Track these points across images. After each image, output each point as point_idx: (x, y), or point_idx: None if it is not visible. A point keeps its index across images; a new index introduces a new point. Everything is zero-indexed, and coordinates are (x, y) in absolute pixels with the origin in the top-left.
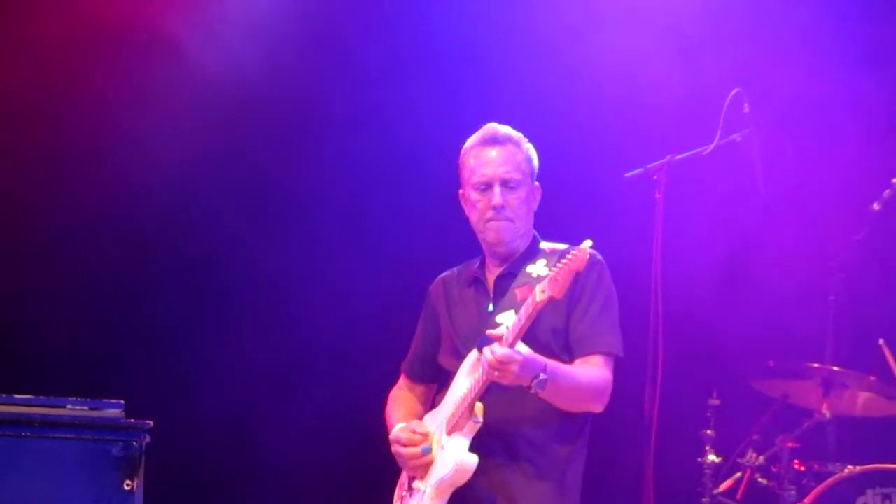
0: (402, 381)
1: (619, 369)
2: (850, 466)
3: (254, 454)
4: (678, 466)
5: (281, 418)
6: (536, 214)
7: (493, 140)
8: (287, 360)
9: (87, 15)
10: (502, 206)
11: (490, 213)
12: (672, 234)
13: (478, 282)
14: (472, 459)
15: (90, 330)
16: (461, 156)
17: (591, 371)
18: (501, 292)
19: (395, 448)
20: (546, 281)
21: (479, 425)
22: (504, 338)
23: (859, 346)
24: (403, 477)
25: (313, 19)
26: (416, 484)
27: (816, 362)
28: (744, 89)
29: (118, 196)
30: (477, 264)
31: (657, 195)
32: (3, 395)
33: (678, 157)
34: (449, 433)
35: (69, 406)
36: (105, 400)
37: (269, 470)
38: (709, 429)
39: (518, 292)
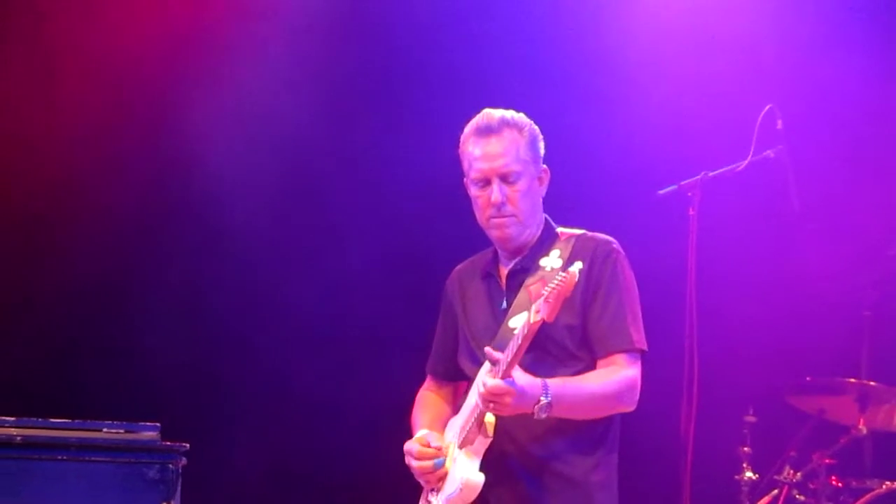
0: (428, 382)
1: (655, 386)
2: (887, 482)
3: (290, 475)
4: (715, 483)
5: (317, 437)
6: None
7: (488, 129)
8: (323, 382)
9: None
10: (503, 203)
11: (491, 211)
12: (706, 251)
13: (490, 276)
14: (479, 478)
15: (127, 353)
16: (460, 144)
17: (609, 375)
18: (515, 288)
19: (407, 460)
20: (541, 300)
21: (489, 441)
22: (498, 367)
23: (895, 360)
24: (426, 490)
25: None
26: (431, 498)
27: (852, 378)
28: (777, 105)
29: (145, 212)
30: (490, 255)
31: (691, 212)
32: (40, 419)
33: (712, 173)
34: (460, 446)
35: (105, 429)
36: (141, 423)
37: (306, 492)
38: (745, 445)
39: (532, 289)
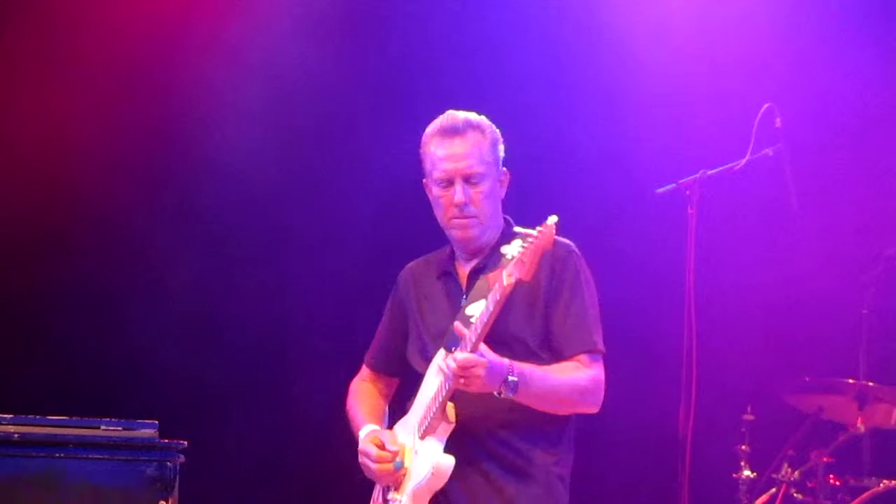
0: (365, 372)
1: (655, 385)
2: (885, 481)
3: (289, 473)
4: (713, 482)
5: (316, 435)
6: (564, 237)
7: (453, 130)
8: (322, 380)
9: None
10: (465, 204)
11: (453, 211)
12: (705, 250)
13: (448, 275)
14: (449, 461)
15: (125, 350)
16: (421, 145)
17: (574, 371)
18: (474, 286)
19: (363, 461)
20: (512, 264)
21: (452, 426)
22: (466, 339)
23: (893, 360)
24: (377, 488)
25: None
26: (391, 495)
27: (850, 377)
28: (775, 103)
29: (145, 213)
30: (448, 254)
31: (689, 210)
32: (38, 417)
33: (710, 172)
34: (422, 437)
35: (103, 427)
36: (139, 420)
37: (304, 489)
38: (743, 444)
39: (490, 278)
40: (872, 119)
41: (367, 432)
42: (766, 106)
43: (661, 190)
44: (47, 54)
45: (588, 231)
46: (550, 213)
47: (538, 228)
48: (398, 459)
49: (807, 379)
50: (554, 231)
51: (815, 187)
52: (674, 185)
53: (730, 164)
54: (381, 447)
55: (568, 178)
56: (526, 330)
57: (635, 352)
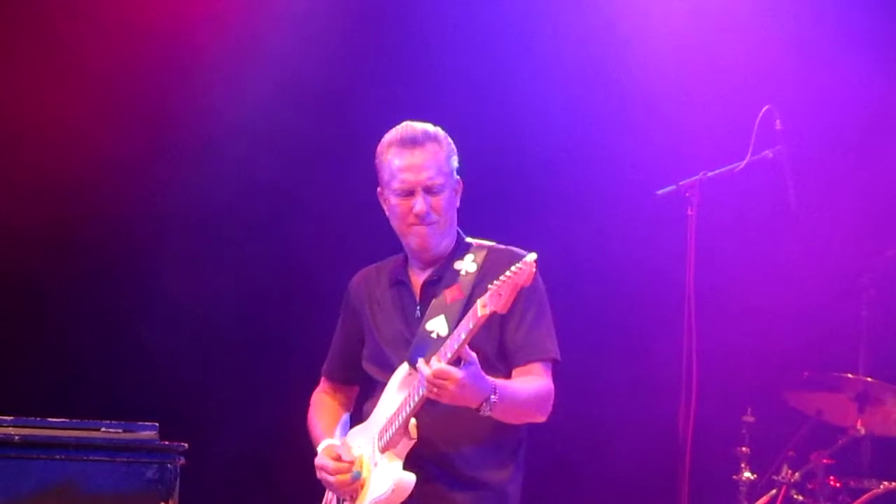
0: (324, 385)
1: (655, 387)
2: (885, 483)
3: (289, 475)
4: (713, 483)
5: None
6: (565, 238)
7: (413, 141)
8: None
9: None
10: (427, 213)
11: (412, 219)
12: (705, 251)
13: (401, 284)
14: (410, 478)
15: (125, 352)
16: (377, 154)
17: (534, 383)
18: (430, 297)
19: (321, 475)
20: (488, 295)
21: (413, 442)
22: (442, 353)
23: (893, 361)
24: (328, 497)
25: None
26: None
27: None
28: (775, 105)
29: (146, 214)
30: (400, 263)
31: (689, 212)
32: (38, 419)
33: (710, 174)
34: (382, 451)
35: (103, 429)
36: (139, 422)
37: (305, 492)
38: (743, 446)
39: (447, 294)
40: (872, 120)
41: (324, 447)
42: (765, 108)
43: (661, 192)
44: (50, 50)
45: (588, 232)
46: (550, 212)
47: (518, 266)
48: (355, 470)
49: (805, 375)
50: (533, 268)
51: (814, 188)
52: (674, 186)
53: (730, 166)
54: (338, 459)
55: (569, 179)
56: (486, 343)
57: (635, 352)
